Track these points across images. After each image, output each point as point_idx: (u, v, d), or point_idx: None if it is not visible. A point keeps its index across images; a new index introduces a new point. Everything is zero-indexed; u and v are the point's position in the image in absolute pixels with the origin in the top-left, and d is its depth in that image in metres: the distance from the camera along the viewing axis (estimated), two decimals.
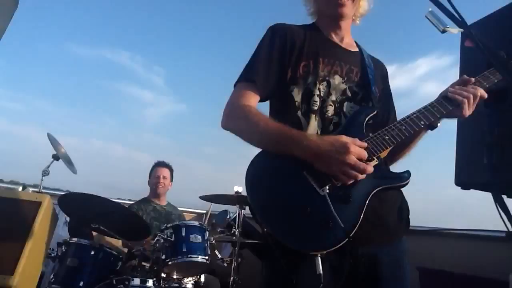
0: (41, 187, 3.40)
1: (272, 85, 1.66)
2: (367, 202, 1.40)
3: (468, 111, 1.57)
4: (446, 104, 1.56)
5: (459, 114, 1.56)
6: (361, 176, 1.37)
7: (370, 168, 1.37)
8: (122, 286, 2.68)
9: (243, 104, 1.61)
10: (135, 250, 3.18)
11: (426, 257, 3.00)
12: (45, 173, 3.43)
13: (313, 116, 1.60)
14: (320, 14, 1.82)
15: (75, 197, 2.96)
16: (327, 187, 1.38)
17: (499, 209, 2.08)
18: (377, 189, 1.43)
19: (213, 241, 3.25)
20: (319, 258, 1.32)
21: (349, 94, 1.67)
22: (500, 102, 1.91)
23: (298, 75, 1.65)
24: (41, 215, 2.51)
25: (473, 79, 1.62)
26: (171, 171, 4.53)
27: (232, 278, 3.26)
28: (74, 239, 3.07)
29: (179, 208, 4.61)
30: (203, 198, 3.70)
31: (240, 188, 3.39)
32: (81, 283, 2.90)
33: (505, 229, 2.02)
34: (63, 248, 3.04)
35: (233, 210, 3.76)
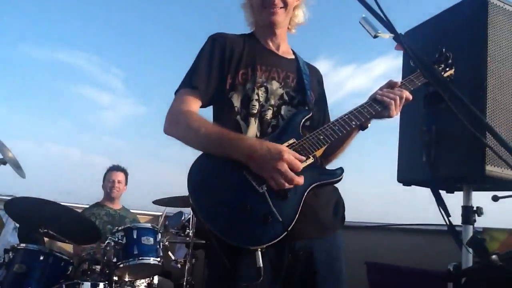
0: None
1: (212, 91, 1.72)
2: (304, 197, 1.47)
3: (395, 112, 1.67)
4: (375, 106, 1.66)
5: (387, 114, 1.67)
6: (288, 186, 1.43)
7: (298, 179, 1.43)
8: None
9: (185, 110, 1.66)
10: (85, 254, 3.13)
11: (374, 252, 3.11)
12: None
13: (252, 119, 1.67)
14: (256, 24, 1.90)
15: (22, 202, 2.89)
16: (265, 185, 1.44)
17: (438, 204, 2.19)
18: (313, 185, 1.50)
19: (166, 243, 3.24)
20: (259, 253, 1.38)
21: (286, 99, 1.75)
22: (437, 103, 2.02)
23: (237, 82, 1.71)
24: None
25: (399, 82, 1.74)
26: (126, 174, 4.46)
27: (185, 279, 3.26)
28: (22, 245, 2.99)
29: (134, 211, 4.55)
30: (156, 202, 3.70)
31: None
32: None
33: (446, 223, 2.15)
34: (10, 255, 2.95)
35: (188, 211, 3.77)
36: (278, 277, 1.53)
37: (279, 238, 1.39)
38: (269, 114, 1.69)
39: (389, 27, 1.27)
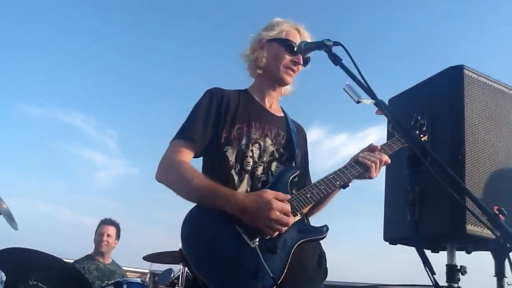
0: None
1: (206, 144, 1.80)
2: (291, 252, 1.55)
3: (375, 174, 1.82)
4: (357, 167, 1.80)
5: (368, 176, 1.81)
6: (284, 229, 1.53)
7: (291, 220, 1.54)
8: None
9: (178, 159, 1.74)
10: None
11: None
12: None
13: (246, 175, 1.76)
14: (264, 71, 1.96)
15: (13, 252, 2.89)
16: (257, 240, 1.53)
17: (424, 263, 2.24)
18: (300, 242, 1.60)
19: None
20: None
21: (277, 156, 1.85)
22: (419, 164, 2.13)
23: (232, 137, 1.80)
24: None
25: (379, 146, 1.89)
26: (118, 229, 4.44)
27: None
28: None
29: (123, 268, 4.51)
30: (146, 258, 3.70)
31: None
32: None
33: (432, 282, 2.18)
34: None
35: (178, 269, 3.76)
36: None
37: None
38: (259, 170, 1.78)
39: (370, 93, 1.42)
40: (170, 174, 1.75)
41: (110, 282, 3.11)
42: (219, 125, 1.81)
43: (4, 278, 3.92)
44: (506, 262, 1.34)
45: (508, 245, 1.32)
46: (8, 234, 3.56)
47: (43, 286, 2.96)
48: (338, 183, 1.75)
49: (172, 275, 3.81)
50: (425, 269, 2.23)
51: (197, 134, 1.78)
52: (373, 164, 1.79)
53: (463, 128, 2.04)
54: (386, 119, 1.88)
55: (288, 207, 1.56)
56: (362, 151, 1.88)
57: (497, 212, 1.38)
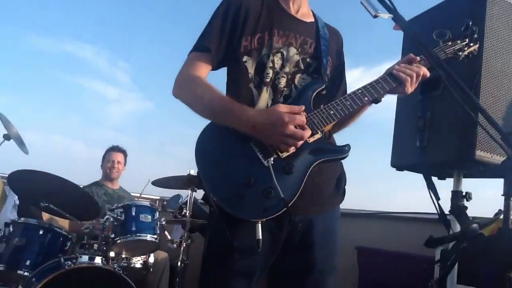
0: None
1: (224, 53, 1.69)
2: (308, 173, 1.49)
3: (410, 89, 1.64)
4: (390, 81, 1.63)
5: (402, 91, 1.64)
6: (300, 143, 1.46)
7: (307, 133, 1.45)
8: (69, 263, 2.69)
9: (193, 75, 1.65)
10: (84, 228, 3.19)
11: (365, 237, 3.19)
12: None
13: (264, 88, 1.64)
14: None
15: (26, 175, 2.94)
16: (272, 159, 1.47)
17: (429, 190, 2.26)
18: (318, 161, 1.52)
19: (164, 222, 3.30)
20: (259, 225, 1.43)
21: (302, 66, 1.70)
22: (433, 89, 2.09)
23: (252, 46, 1.67)
24: None
25: (418, 58, 1.69)
26: (125, 155, 4.52)
27: (180, 257, 3.33)
28: (22, 219, 3.05)
29: (132, 194, 4.62)
30: (155, 183, 3.75)
31: (193, 171, 3.46)
32: (28, 262, 2.89)
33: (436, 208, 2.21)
34: (10, 228, 3.01)
35: (186, 194, 3.84)
36: (275, 248, 1.58)
37: (279, 213, 1.43)
38: (282, 82, 1.65)
39: (389, 7, 1.35)
40: (184, 90, 1.68)
41: (119, 205, 3.17)
42: (237, 33, 1.68)
43: (17, 202, 4.04)
44: None
45: None
46: (20, 160, 3.63)
47: (54, 207, 3.03)
48: (366, 98, 1.60)
49: (180, 201, 3.90)
50: (430, 195, 2.26)
51: (213, 43, 1.67)
52: (408, 78, 1.61)
53: (481, 53, 1.95)
54: (393, 29, 1.75)
55: (303, 119, 1.45)
56: (398, 63, 1.70)
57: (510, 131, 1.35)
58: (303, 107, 1.51)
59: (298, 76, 1.69)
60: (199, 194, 3.68)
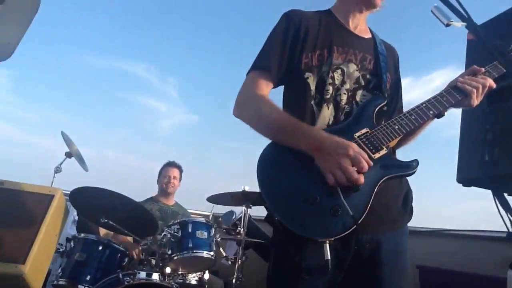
0: (53, 184, 3.47)
1: (284, 73, 1.68)
2: (375, 190, 1.43)
3: (476, 101, 1.60)
4: (455, 94, 1.59)
5: (468, 103, 1.59)
6: (346, 184, 1.37)
7: (361, 180, 1.37)
8: (128, 279, 2.73)
9: (256, 93, 1.65)
10: (142, 244, 3.23)
11: (426, 256, 3.05)
12: (58, 170, 3.52)
13: (325, 105, 1.62)
14: None
15: (86, 191, 3.01)
16: None
17: (499, 207, 2.13)
18: (385, 178, 1.46)
19: (219, 239, 3.30)
20: (327, 245, 1.37)
21: (362, 83, 1.68)
22: (502, 100, 1.98)
23: (312, 63, 1.66)
24: (53, 207, 2.58)
25: (483, 69, 1.65)
26: (181, 171, 4.58)
27: (236, 275, 3.31)
28: (83, 235, 3.14)
29: (188, 210, 4.66)
30: (210, 199, 3.77)
31: (248, 187, 3.46)
32: (88, 277, 2.95)
33: (506, 230, 2.08)
34: (71, 244, 3.10)
35: (239, 211, 3.83)
36: (341, 269, 1.53)
37: (348, 232, 1.36)
38: (344, 99, 1.63)
39: (462, 16, 1.29)
40: (247, 108, 1.67)
41: (176, 221, 3.19)
42: (298, 51, 1.67)
43: (76, 218, 4.16)
44: None
45: None
46: (80, 176, 3.75)
47: (113, 224, 3.09)
48: (431, 112, 1.56)
49: (233, 217, 3.89)
50: (500, 214, 2.13)
51: (274, 63, 1.67)
52: (474, 90, 1.56)
53: None
54: (467, 39, 1.67)
55: (364, 164, 1.38)
56: (462, 75, 1.66)
57: None
58: (372, 164, 1.43)
59: (359, 92, 1.67)
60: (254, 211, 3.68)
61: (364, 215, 1.39)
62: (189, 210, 4.66)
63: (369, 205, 1.41)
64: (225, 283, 3.91)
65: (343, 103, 1.63)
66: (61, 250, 3.06)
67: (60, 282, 2.96)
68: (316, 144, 1.44)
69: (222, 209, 4.26)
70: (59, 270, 3.03)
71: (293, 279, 1.50)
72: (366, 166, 1.37)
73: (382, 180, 1.46)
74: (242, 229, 3.46)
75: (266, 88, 1.67)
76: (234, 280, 3.38)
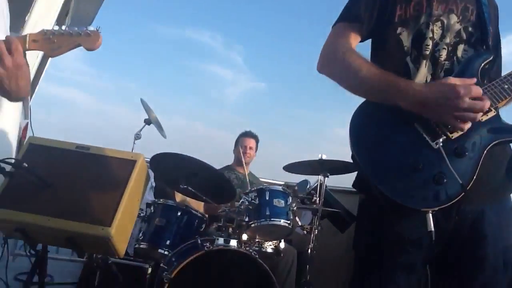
0: (133, 150, 3.57)
1: (375, 24, 1.56)
2: (483, 156, 1.33)
3: None
4: None
5: None
6: (479, 117, 1.30)
7: (487, 103, 1.29)
8: (208, 244, 2.75)
9: (343, 46, 1.54)
10: (221, 211, 3.26)
11: None
12: (137, 136, 3.61)
13: (423, 61, 1.50)
14: None
15: (166, 157, 3.06)
16: (441, 140, 1.33)
17: None
18: (495, 142, 1.35)
19: (295, 208, 3.26)
20: (430, 215, 1.29)
21: (464, 36, 1.54)
22: None
23: (408, 15, 1.53)
24: (136, 172, 2.61)
25: None
26: (257, 141, 4.56)
27: (312, 245, 3.28)
28: (162, 200, 3.22)
29: (260, 179, 4.67)
30: (286, 168, 3.73)
31: (325, 156, 3.38)
32: (168, 242, 3.03)
33: None
34: (151, 209, 3.19)
35: (314, 180, 3.78)
36: (440, 242, 1.41)
37: (455, 200, 1.28)
38: (443, 54, 1.50)
39: None
40: (334, 63, 1.56)
41: (253, 188, 3.19)
42: (391, 1, 1.54)
43: (154, 184, 4.28)
44: None
45: None
46: (158, 143, 3.83)
47: (192, 189, 3.12)
48: None
49: (308, 186, 3.84)
50: None
51: (365, 12, 1.55)
52: None
53: None
54: None
55: (479, 90, 1.29)
56: None
57: None
58: (475, 79, 1.34)
59: (460, 47, 1.52)
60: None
61: (472, 182, 1.29)
62: (261, 179, 4.65)
63: (477, 172, 1.31)
64: (298, 252, 3.89)
65: (442, 59, 1.50)
66: (141, 215, 3.15)
67: (142, 246, 3.07)
68: (418, 100, 1.33)
69: (292, 179, 4.23)
70: (140, 234, 3.14)
71: (394, 252, 1.42)
72: (480, 91, 1.29)
73: (491, 145, 1.35)
74: (318, 198, 3.39)
75: (354, 42, 1.57)
76: (309, 250, 3.34)
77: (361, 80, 1.46)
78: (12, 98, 1.49)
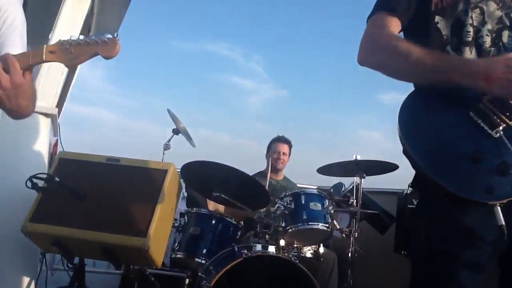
0: (163, 160, 3.55)
1: (412, 14, 1.49)
2: None
3: None
4: None
5: None
6: None
7: None
8: (245, 251, 2.69)
9: (386, 33, 1.46)
10: (256, 217, 3.19)
11: None
12: (167, 146, 3.58)
13: (466, 49, 1.42)
14: None
15: (197, 166, 3.03)
16: (501, 128, 1.25)
17: None
18: None
19: (332, 211, 3.17)
20: (499, 208, 1.20)
21: (507, 22, 1.46)
22: None
23: (445, 3, 1.46)
24: (168, 181, 2.59)
25: None
26: (290, 147, 4.44)
27: (353, 248, 3.18)
28: (195, 209, 3.18)
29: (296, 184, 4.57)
30: (320, 170, 3.64)
31: (359, 156, 3.29)
32: (204, 250, 2.98)
33: None
34: (185, 218, 3.16)
35: (349, 182, 3.70)
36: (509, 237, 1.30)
37: None
38: (487, 41, 1.43)
39: None
40: (378, 52, 1.47)
41: (288, 193, 3.12)
42: None
43: (185, 193, 4.25)
44: None
45: None
46: (187, 154, 3.80)
47: (225, 197, 3.07)
48: None
49: (343, 188, 3.75)
50: None
51: (403, 2, 1.47)
52: None
53: None
54: None
55: None
56: None
57: None
58: None
59: (505, 33, 1.45)
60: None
61: None
62: (299, 185, 4.56)
63: None
64: (338, 256, 3.79)
65: (487, 46, 1.43)
66: (175, 225, 3.12)
67: (178, 255, 3.04)
68: (482, 74, 1.24)
69: (324, 182, 4.14)
70: (176, 244, 3.10)
71: (464, 249, 1.31)
72: None
73: None
74: (355, 201, 3.29)
75: (395, 29, 1.49)
76: (350, 254, 3.25)
77: (414, 61, 1.36)
78: (14, 116, 1.46)
